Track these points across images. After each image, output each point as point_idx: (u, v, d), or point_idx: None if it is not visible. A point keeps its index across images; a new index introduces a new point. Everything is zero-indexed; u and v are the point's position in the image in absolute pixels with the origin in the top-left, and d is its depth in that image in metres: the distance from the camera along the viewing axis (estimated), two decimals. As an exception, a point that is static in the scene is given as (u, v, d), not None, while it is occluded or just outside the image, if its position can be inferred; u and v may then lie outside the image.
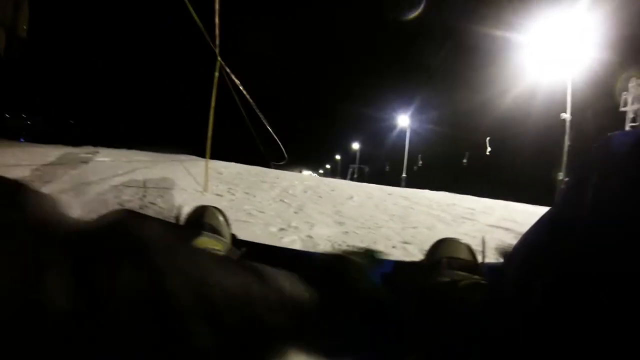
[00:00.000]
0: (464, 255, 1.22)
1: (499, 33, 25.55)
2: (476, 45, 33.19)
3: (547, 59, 22.15)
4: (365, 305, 1.31)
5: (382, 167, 54.79)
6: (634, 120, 20.92)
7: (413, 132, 40.33)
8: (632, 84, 21.06)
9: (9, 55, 1.58)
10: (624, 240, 0.48)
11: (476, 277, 1.09)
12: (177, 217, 1.32)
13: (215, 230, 1.22)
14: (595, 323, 0.48)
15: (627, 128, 20.32)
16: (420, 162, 41.19)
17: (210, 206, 1.32)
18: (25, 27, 1.66)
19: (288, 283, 0.79)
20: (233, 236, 1.29)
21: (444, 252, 1.24)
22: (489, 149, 26.53)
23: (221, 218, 1.28)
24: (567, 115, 19.09)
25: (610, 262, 0.48)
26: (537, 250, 0.63)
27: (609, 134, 0.57)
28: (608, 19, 19.13)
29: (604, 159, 0.56)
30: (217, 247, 1.14)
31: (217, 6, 4.58)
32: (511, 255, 0.72)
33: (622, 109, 21.38)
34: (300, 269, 1.37)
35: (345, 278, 1.34)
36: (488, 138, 26.58)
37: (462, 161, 34.39)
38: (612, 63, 20.53)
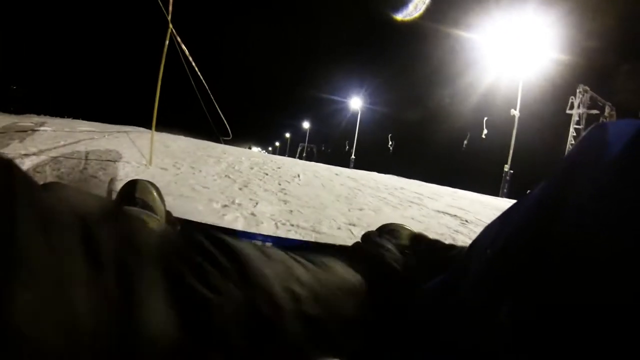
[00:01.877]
0: (405, 242, 1.20)
1: (456, 31, 25.88)
2: (431, 38, 33.46)
3: (501, 57, 22.60)
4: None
5: (333, 148, 55.04)
6: (578, 123, 22.14)
7: (363, 114, 40.62)
8: (579, 89, 22.22)
9: None
10: (623, 250, 0.41)
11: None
12: (110, 192, 1.27)
13: (147, 206, 1.17)
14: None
15: (572, 130, 22.06)
16: (391, 144, 41.49)
17: (143, 180, 1.26)
18: None
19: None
20: (168, 213, 1.24)
21: (389, 232, 1.21)
22: (485, 131, 26.87)
23: (155, 193, 1.23)
24: (516, 112, 19.57)
25: (603, 283, 0.41)
26: (504, 255, 0.57)
27: (601, 121, 0.53)
28: (562, 20, 19.65)
29: (597, 151, 0.50)
30: (149, 223, 1.10)
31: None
32: (469, 256, 0.68)
33: (569, 111, 22.61)
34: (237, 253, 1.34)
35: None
36: (485, 118, 26.97)
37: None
38: (564, 65, 21.12)
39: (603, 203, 0.45)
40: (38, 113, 11.01)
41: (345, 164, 24.09)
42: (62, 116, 11.83)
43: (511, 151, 19.08)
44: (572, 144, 20.13)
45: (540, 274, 0.47)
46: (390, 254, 0.96)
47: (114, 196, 1.26)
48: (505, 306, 0.50)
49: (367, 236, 1.12)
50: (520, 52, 20.73)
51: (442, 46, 30.41)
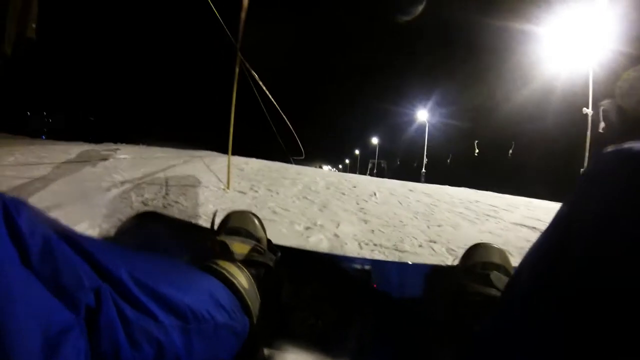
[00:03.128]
0: (497, 260, 1.22)
1: (517, 26, 25.32)
2: (494, 38, 32.92)
3: (566, 52, 21.93)
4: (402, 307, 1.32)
5: (402, 162, 54.74)
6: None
7: (432, 126, 40.28)
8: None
9: (17, 54, 1.61)
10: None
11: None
12: (212, 222, 1.33)
13: (251, 235, 1.23)
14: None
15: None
16: (450, 159, 41.11)
17: (246, 211, 1.33)
18: (34, 27, 1.69)
19: None
20: (269, 241, 1.30)
21: (478, 257, 1.24)
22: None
23: (256, 222, 1.29)
24: (589, 110, 18.78)
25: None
26: (546, 262, 0.61)
27: (628, 142, 0.54)
28: (631, 12, 18.85)
29: (628, 172, 0.52)
30: (252, 253, 1.15)
31: (245, 2, 4.58)
32: (520, 269, 0.71)
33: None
34: (336, 274, 1.39)
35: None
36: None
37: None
38: (634, 58, 20.16)
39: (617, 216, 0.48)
40: (114, 141, 11.34)
41: (416, 178, 23.97)
42: (136, 143, 12.17)
43: (587, 153, 18.40)
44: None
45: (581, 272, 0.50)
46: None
47: (211, 226, 1.32)
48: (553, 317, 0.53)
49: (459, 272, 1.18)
50: (587, 46, 20.00)
51: (512, 49, 29.80)
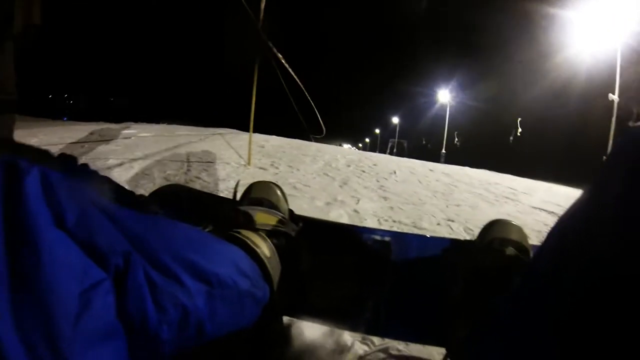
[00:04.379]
0: (515, 236, 1.23)
1: (544, 8, 24.92)
2: (518, 20, 32.44)
3: (594, 36, 21.56)
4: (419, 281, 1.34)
5: (422, 141, 54.49)
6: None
7: (453, 108, 40.05)
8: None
9: (25, 43, 1.64)
10: None
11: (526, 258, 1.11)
12: (235, 193, 1.36)
13: (274, 206, 1.25)
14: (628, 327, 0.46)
15: None
16: (457, 140, 40.88)
17: (269, 181, 1.35)
18: (39, 14, 1.71)
19: None
20: (290, 211, 1.32)
21: (496, 233, 1.25)
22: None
23: (279, 193, 1.31)
24: (615, 97, 18.48)
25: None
26: (569, 240, 0.60)
27: None
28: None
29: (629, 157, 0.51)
30: (274, 223, 1.18)
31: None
32: (545, 241, 0.72)
33: None
34: (356, 245, 1.42)
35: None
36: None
37: (509, 139, 34.12)
38: None
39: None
40: (135, 121, 11.38)
41: (436, 159, 23.83)
42: (157, 122, 12.21)
43: (610, 141, 18.09)
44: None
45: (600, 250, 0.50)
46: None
47: (238, 196, 1.34)
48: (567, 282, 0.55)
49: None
50: (615, 30, 19.61)
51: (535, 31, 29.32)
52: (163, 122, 12.09)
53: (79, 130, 6.98)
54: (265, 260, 0.98)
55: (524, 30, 31.53)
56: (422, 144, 53.31)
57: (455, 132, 40.97)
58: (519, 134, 25.90)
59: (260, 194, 1.29)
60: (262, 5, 4.93)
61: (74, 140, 5.64)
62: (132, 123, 9.92)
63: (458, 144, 40.71)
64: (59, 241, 0.53)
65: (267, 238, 1.07)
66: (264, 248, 1.02)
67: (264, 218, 1.18)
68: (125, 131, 7.37)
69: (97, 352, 0.54)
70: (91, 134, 6.57)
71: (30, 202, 0.51)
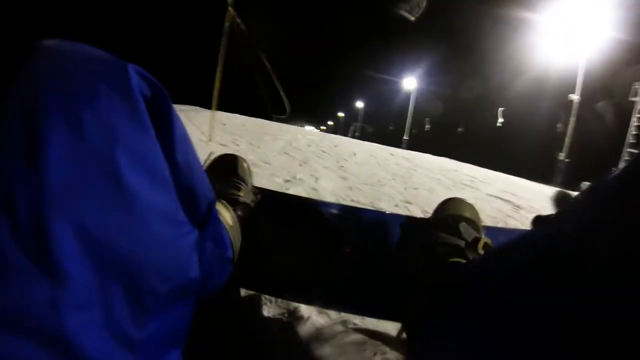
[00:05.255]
0: (468, 214, 1.26)
1: (511, 12, 25.16)
2: (486, 21, 32.68)
3: (559, 38, 21.81)
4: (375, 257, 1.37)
5: (385, 128, 54.67)
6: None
7: (422, 96, 40.37)
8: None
9: None
10: None
11: (483, 237, 1.14)
12: (205, 162, 1.37)
13: (239, 178, 1.27)
14: None
15: (634, 119, 19.51)
16: (428, 127, 41.20)
17: (236, 155, 1.36)
18: None
19: None
20: (252, 185, 1.34)
21: (450, 210, 1.28)
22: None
23: (245, 166, 1.33)
24: (575, 97, 18.74)
25: None
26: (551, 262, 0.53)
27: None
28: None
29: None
30: (240, 194, 1.19)
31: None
32: (512, 246, 0.67)
33: (632, 98, 19.89)
34: (314, 219, 1.44)
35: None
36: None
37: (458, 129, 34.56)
38: (628, 48, 19.75)
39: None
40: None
41: (398, 146, 23.95)
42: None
43: (567, 139, 18.34)
44: (634, 134, 18.72)
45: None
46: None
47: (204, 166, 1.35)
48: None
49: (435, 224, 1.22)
50: (580, 33, 19.92)
51: (499, 27, 29.58)
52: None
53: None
54: (228, 229, 1.00)
55: (494, 20, 31.78)
56: (387, 129, 53.38)
57: (427, 119, 41.20)
58: (499, 124, 26.13)
59: (227, 166, 1.30)
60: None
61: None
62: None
63: (428, 129, 41.00)
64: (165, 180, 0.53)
65: (229, 207, 1.08)
66: (227, 217, 1.03)
67: (228, 188, 1.20)
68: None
69: (176, 309, 0.55)
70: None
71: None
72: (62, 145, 0.41)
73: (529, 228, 0.74)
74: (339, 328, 1.39)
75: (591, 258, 0.45)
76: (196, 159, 0.62)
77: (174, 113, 0.55)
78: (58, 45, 0.47)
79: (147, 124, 0.50)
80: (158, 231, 0.51)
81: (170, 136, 0.54)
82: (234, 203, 1.14)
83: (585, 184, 13.95)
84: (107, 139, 0.44)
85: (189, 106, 10.55)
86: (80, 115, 0.43)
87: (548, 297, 0.49)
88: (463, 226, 1.15)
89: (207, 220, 0.63)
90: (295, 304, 1.42)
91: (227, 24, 5.05)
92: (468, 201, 1.32)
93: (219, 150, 4.36)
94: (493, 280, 0.65)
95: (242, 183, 1.25)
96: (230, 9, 4.99)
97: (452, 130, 37.39)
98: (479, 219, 1.27)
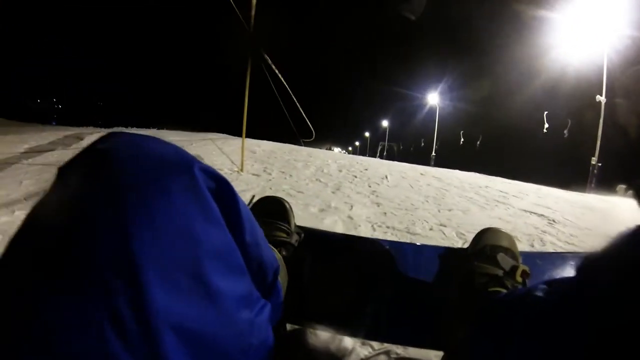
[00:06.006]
0: (505, 243, 1.28)
1: (531, 11, 24.93)
2: (507, 24, 32.52)
3: (581, 38, 21.53)
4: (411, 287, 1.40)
5: (411, 145, 54.48)
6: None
7: (442, 110, 40.11)
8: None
9: None
10: None
11: (521, 265, 1.16)
12: (249, 204, 1.41)
13: (283, 219, 1.31)
14: None
15: None
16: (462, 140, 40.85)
17: (278, 197, 1.40)
18: None
19: None
20: (294, 225, 1.38)
21: (487, 240, 1.30)
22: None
23: (287, 206, 1.37)
24: (602, 98, 18.34)
25: None
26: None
27: None
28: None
29: None
30: (285, 236, 1.25)
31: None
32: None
33: None
34: (354, 254, 1.48)
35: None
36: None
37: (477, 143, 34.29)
38: None
39: None
40: (125, 126, 11.33)
41: (425, 161, 23.74)
42: (147, 127, 12.17)
43: (598, 142, 17.88)
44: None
45: None
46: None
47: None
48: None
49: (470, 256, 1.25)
50: (602, 31, 19.57)
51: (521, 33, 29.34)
52: (153, 128, 12.07)
53: (69, 137, 6.97)
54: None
55: (514, 30, 31.58)
56: (414, 146, 53.10)
57: (461, 132, 40.84)
58: (545, 130, 25.83)
59: (271, 208, 1.34)
60: (252, 12, 4.98)
61: (64, 147, 5.65)
62: (123, 128, 9.89)
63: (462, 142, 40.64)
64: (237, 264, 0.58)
65: (276, 250, 1.12)
66: (275, 260, 1.06)
67: (274, 230, 1.25)
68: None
69: None
70: (82, 140, 6.58)
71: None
72: (155, 260, 0.45)
73: (564, 245, 0.76)
74: (382, 358, 1.43)
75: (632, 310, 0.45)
76: (260, 232, 0.67)
77: (238, 198, 0.60)
78: (129, 146, 0.51)
79: (218, 217, 0.54)
80: (240, 315, 0.56)
81: (238, 221, 0.59)
82: (279, 244, 1.19)
83: (622, 187, 13.69)
84: (189, 245, 0.49)
85: (217, 134, 10.64)
86: (164, 227, 0.47)
87: (587, 335, 0.49)
88: (501, 256, 1.18)
89: (273, 285, 0.69)
90: (340, 336, 1.45)
91: (250, 54, 5.12)
92: (504, 230, 1.34)
93: (252, 182, 4.44)
94: (533, 312, 0.65)
95: (287, 225, 1.30)
96: (251, 36, 5.06)
97: (484, 141, 37.12)
98: (515, 247, 1.30)
